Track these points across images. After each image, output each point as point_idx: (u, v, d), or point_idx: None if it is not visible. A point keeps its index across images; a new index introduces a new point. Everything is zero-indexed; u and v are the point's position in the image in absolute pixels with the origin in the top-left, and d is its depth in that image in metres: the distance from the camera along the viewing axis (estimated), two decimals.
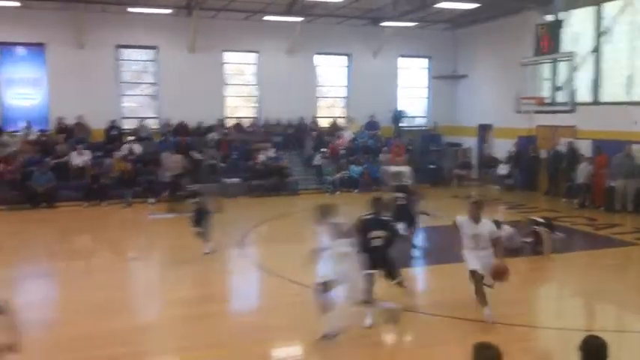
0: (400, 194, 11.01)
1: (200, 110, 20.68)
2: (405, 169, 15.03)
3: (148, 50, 21.10)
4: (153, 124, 20.95)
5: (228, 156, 19.87)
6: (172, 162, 17.01)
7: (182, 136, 20.07)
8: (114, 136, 19.60)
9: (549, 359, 6.83)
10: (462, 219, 7.55)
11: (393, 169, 15.06)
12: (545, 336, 7.42)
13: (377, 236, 7.30)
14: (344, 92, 23.46)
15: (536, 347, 7.11)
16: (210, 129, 20.74)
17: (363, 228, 7.29)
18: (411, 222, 11.03)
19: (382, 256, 7.38)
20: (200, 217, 11.20)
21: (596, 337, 3.98)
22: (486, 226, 7.48)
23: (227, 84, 21.99)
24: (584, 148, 17.24)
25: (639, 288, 9.45)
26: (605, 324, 7.82)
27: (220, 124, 21.12)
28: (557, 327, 7.46)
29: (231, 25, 20.85)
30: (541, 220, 11.63)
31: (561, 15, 16.11)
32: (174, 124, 20.50)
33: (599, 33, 17.13)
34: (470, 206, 7.57)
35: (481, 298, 7.30)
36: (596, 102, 17.42)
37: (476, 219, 7.45)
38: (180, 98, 20.44)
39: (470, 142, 23.01)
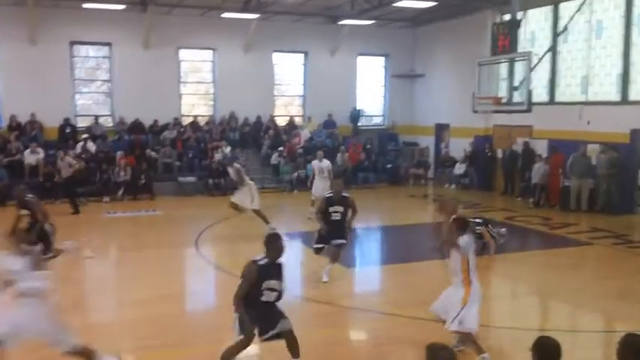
0: (339, 207, 9.19)
1: (155, 108, 20.24)
2: (326, 164, 14.79)
3: (101, 47, 20.57)
4: (107, 122, 20.43)
5: (184, 154, 19.46)
6: (65, 164, 16.26)
7: (137, 135, 19.63)
8: (68, 134, 19.12)
9: (503, 358, 6.74)
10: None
11: (317, 165, 14.68)
12: (499, 336, 7.35)
13: (272, 288, 5.66)
14: (301, 90, 23.26)
15: (492, 347, 7.01)
16: (165, 127, 20.31)
17: (258, 277, 5.61)
18: (344, 238, 9.32)
19: (275, 314, 5.78)
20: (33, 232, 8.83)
21: (549, 338, 3.88)
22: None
23: (183, 81, 21.56)
24: (540, 147, 17.43)
25: (594, 287, 9.49)
26: (560, 323, 7.82)
27: (176, 122, 20.68)
28: (511, 327, 7.41)
29: (187, 21, 20.38)
30: (478, 220, 11.34)
31: (518, 15, 16.23)
32: (129, 122, 20.01)
33: (556, 33, 17.34)
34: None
35: (475, 347, 6.28)
36: (552, 102, 17.64)
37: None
38: (135, 96, 19.96)
39: (427, 141, 23.06)
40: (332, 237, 9.12)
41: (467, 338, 6.28)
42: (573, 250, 11.81)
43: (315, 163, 14.80)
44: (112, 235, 13.47)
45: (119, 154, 18.15)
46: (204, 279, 10.05)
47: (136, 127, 19.97)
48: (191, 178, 18.73)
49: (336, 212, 9.11)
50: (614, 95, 15.83)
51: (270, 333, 5.69)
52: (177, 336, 7.01)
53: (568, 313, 8.50)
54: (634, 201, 15.63)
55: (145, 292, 8.73)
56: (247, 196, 12.88)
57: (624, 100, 15.50)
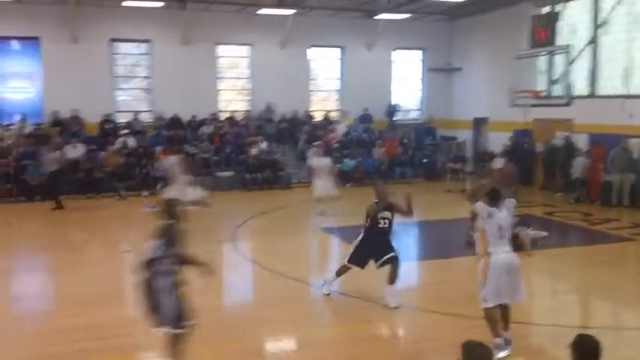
0: (387, 214, 7.71)
1: (193, 103, 20.50)
2: (325, 161, 14.20)
3: (141, 44, 20.94)
4: (146, 118, 20.82)
5: (222, 149, 19.70)
6: (50, 157, 16.04)
7: (175, 130, 19.96)
8: (108, 129, 19.56)
9: (544, 356, 6.67)
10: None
11: (316, 162, 14.31)
12: (540, 333, 7.29)
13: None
14: (338, 85, 23.26)
15: (531, 344, 6.97)
16: (203, 122, 20.59)
17: None
18: (389, 253, 7.77)
19: None
20: None
21: (589, 337, 3.85)
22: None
23: (220, 77, 21.81)
24: (581, 141, 17.07)
25: (636, 284, 9.30)
26: (601, 321, 7.69)
27: (213, 117, 20.95)
28: (552, 324, 7.32)
29: (224, 17, 20.60)
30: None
31: (558, 7, 15.91)
32: (168, 117, 20.35)
33: (597, 25, 16.94)
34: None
35: (492, 326, 6.17)
36: (592, 95, 17.25)
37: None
38: (173, 92, 20.28)
39: (465, 135, 22.83)
40: (373, 254, 7.74)
41: (489, 316, 6.15)
42: (614, 247, 11.58)
43: (314, 160, 14.44)
44: (150, 230, 13.62)
45: (158, 149, 18.48)
46: (240, 273, 10.16)
47: (175, 122, 20.29)
48: (228, 173, 18.95)
49: (384, 219, 7.69)
50: None
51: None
52: (213, 330, 7.09)
53: (609, 311, 8.35)
54: None
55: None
56: (183, 188, 13.29)
57: None
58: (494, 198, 6.26)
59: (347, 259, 7.94)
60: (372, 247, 7.71)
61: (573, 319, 7.87)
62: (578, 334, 3.91)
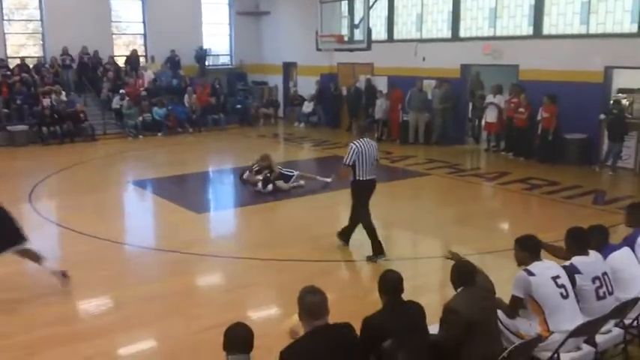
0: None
1: None
2: None
3: None
4: None
5: (12, 100, 17.71)
6: None
7: None
8: None
9: (352, 289, 7.03)
10: None
11: None
12: (349, 268, 7.72)
13: None
14: (142, 28, 21.94)
15: (342, 279, 7.37)
16: None
17: None
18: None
19: None
20: None
21: (392, 272, 4.12)
22: None
23: (7, 19, 19.44)
24: (382, 84, 18.12)
25: (434, 214, 10.20)
26: (403, 252, 8.30)
27: (1, 64, 18.70)
28: (361, 259, 7.74)
29: None
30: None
31: None
32: None
33: None
34: None
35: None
36: (390, 39, 18.27)
37: None
38: None
39: (276, 80, 23.02)
40: None
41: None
42: (413, 181, 12.59)
43: None
44: None
45: None
46: (42, 236, 9.32)
47: None
48: (22, 127, 17.14)
49: None
50: (446, 32, 16.73)
51: None
52: (22, 301, 6.53)
53: (410, 242, 9.08)
54: (465, 132, 16.95)
55: None
56: None
57: (455, 37, 16.44)
58: None
59: None
60: None
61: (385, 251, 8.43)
62: (385, 270, 4.18)
